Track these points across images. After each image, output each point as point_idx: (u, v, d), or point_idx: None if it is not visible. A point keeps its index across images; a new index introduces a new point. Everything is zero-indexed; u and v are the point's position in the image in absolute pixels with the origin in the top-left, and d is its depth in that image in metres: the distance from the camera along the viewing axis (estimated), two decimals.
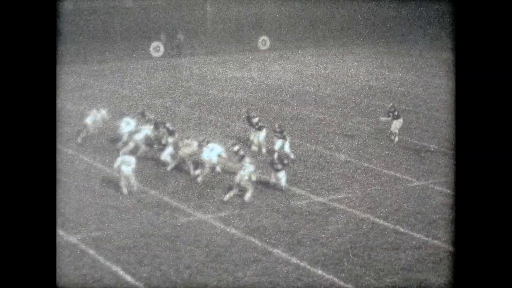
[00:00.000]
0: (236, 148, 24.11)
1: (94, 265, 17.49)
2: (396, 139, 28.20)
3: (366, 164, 25.46)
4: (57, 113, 12.38)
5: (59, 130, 25.94)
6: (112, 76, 45.59)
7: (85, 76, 45.50)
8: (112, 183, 23.22)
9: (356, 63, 50.44)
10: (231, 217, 20.60)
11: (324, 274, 16.89)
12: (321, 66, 49.61)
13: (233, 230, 19.64)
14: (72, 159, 26.33)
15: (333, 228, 19.68)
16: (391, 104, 29.84)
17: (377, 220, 20.25)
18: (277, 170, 22.63)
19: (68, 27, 52.04)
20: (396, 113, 28.49)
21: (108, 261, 17.70)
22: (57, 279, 11.83)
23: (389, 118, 28.57)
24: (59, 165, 24.22)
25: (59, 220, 19.28)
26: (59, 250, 16.32)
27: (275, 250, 18.25)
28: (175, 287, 16.44)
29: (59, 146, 25.53)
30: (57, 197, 13.40)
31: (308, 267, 17.24)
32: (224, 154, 24.28)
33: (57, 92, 12.06)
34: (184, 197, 22.32)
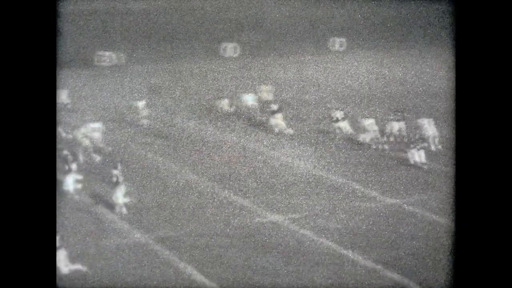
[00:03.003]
0: (114, 172, 21.69)
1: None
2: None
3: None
4: (57, 113, 12.37)
5: (59, 130, 25.94)
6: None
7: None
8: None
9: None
10: (303, 219, 20.50)
11: (397, 277, 16.77)
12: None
13: (305, 232, 19.56)
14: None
15: (406, 231, 19.56)
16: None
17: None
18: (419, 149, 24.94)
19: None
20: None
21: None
22: (57, 279, 11.83)
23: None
24: (59, 165, 24.26)
25: (59, 220, 19.26)
26: (58, 249, 16.33)
27: (347, 252, 18.15)
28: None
29: (59, 146, 25.50)
30: (57, 197, 13.39)
31: (382, 269, 17.12)
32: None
33: (57, 92, 12.06)
34: (257, 199, 22.28)
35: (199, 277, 16.82)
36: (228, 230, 19.74)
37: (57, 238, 16.07)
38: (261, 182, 23.93)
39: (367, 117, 28.46)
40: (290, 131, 29.77)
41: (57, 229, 18.01)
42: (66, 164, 23.02)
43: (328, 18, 65.84)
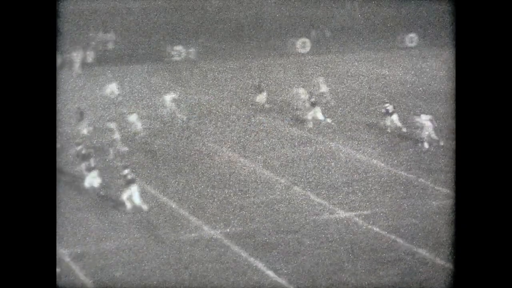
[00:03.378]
0: (125, 171, 21.62)
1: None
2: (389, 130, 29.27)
3: None
4: (57, 113, 12.38)
5: (59, 130, 25.94)
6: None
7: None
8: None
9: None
10: (375, 216, 20.52)
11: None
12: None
13: (376, 229, 19.58)
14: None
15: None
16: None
17: None
18: None
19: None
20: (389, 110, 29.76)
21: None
22: (57, 279, 11.84)
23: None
24: (59, 165, 24.26)
25: (58, 220, 19.27)
26: (58, 250, 16.36)
27: (420, 250, 18.12)
28: (316, 285, 16.49)
29: (59, 146, 25.49)
30: (57, 197, 13.42)
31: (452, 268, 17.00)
32: None
33: (57, 92, 12.06)
34: (327, 195, 22.32)
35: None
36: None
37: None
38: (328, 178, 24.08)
39: (421, 114, 28.38)
40: (329, 121, 30.42)
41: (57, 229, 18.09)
42: (87, 161, 23.14)
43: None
